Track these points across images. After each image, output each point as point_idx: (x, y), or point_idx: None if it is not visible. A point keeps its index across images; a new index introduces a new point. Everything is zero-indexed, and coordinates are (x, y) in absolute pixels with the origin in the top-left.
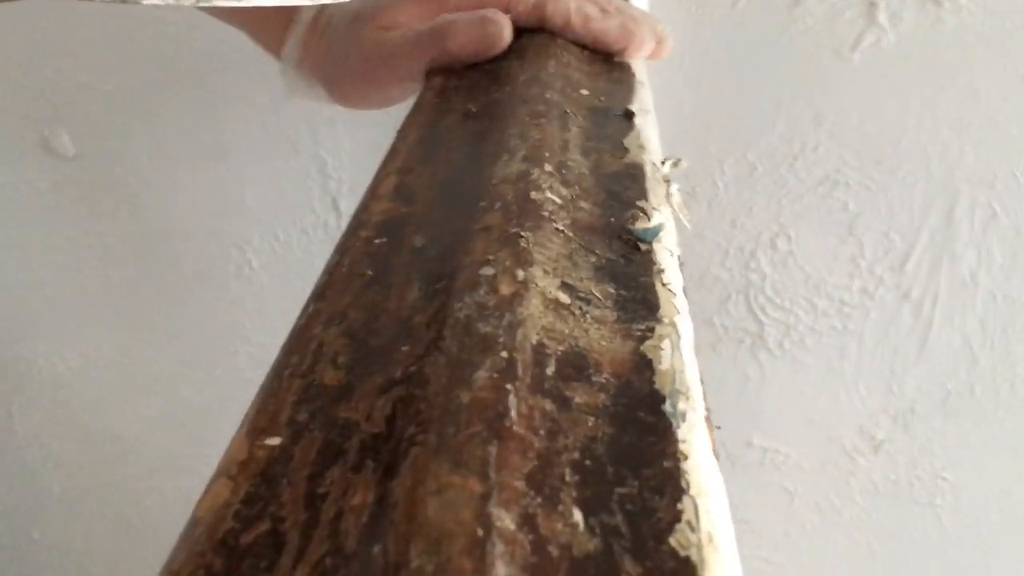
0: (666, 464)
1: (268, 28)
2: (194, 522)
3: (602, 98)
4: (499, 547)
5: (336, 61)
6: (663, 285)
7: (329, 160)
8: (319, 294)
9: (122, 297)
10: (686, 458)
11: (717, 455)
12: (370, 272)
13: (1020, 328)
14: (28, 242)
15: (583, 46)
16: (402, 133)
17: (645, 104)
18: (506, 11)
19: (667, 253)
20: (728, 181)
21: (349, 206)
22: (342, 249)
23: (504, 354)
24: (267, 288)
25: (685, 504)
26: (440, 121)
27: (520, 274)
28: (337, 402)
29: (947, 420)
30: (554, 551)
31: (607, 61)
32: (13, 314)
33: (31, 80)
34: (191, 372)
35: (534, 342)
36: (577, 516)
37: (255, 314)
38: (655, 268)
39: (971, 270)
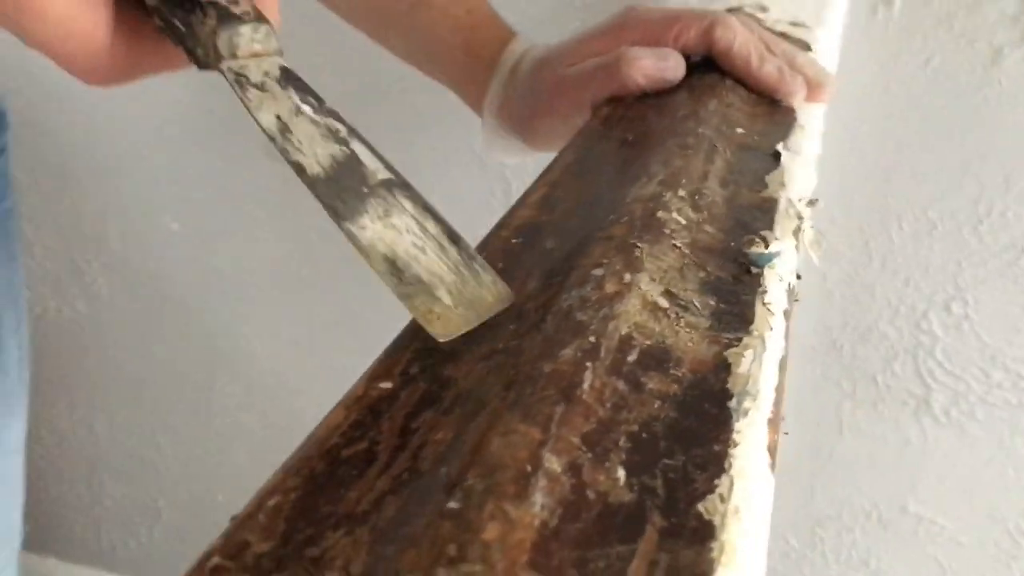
0: (716, 448)
1: (474, 82)
2: (310, 437)
3: (756, 137)
4: (542, 482)
5: (527, 100)
6: (763, 304)
7: (513, 182)
8: None
9: (322, 284)
10: (736, 445)
11: (774, 452)
12: (501, 264)
13: None
14: (240, 230)
15: (748, 89)
16: (561, 153)
17: (799, 146)
18: (676, 40)
19: (777, 278)
20: (905, 237)
21: None
22: (484, 245)
23: (592, 339)
24: None
25: (723, 481)
26: (597, 146)
27: (627, 277)
28: (445, 363)
29: None
30: (591, 495)
31: (773, 103)
32: (225, 296)
33: None
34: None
35: (623, 333)
36: (620, 473)
37: None
38: (760, 289)
39: None
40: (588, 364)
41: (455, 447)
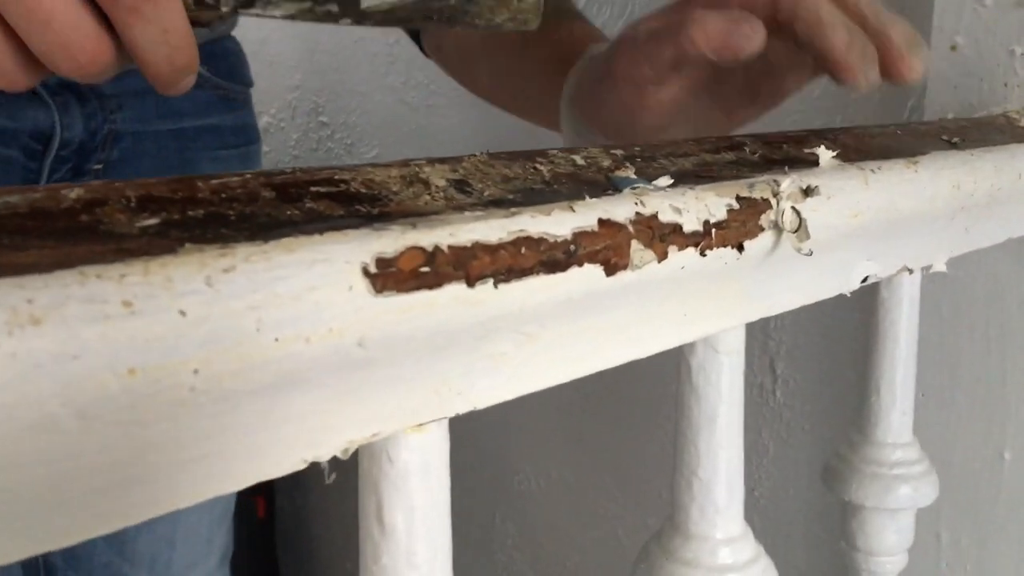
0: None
1: (558, 89)
2: None
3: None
4: (40, 196)
5: (593, 83)
6: (569, 204)
7: (772, 320)
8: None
9: (587, 429)
10: (303, 250)
11: (386, 279)
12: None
13: None
14: None
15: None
16: None
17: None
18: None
19: (633, 202)
20: None
21: (785, 369)
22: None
23: (295, 173)
24: None
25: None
26: None
27: (420, 163)
28: None
29: None
30: (84, 218)
31: None
32: (505, 438)
33: None
34: (628, 515)
35: (338, 177)
36: (149, 221)
37: None
38: (582, 195)
39: None
40: (249, 177)
41: None
